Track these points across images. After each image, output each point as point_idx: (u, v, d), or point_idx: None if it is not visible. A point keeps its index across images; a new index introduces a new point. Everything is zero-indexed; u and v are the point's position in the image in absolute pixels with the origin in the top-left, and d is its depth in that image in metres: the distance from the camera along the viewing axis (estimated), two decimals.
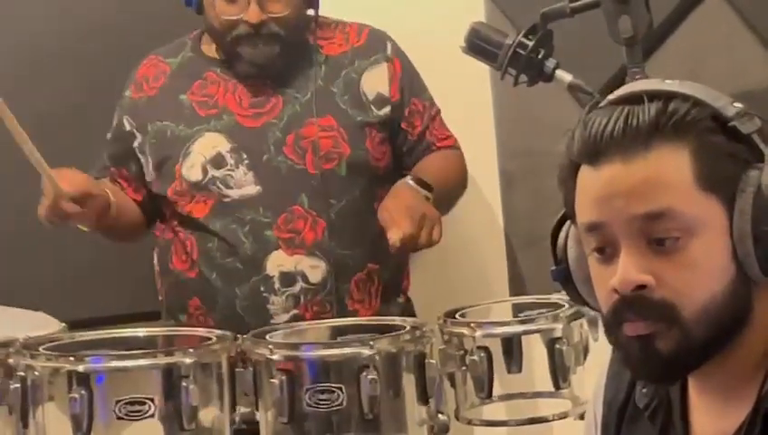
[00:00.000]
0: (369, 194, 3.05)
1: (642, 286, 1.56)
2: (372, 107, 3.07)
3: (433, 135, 3.15)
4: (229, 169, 2.99)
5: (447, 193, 3.12)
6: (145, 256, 3.24)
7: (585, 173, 1.62)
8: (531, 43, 2.50)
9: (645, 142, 1.57)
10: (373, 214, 2.99)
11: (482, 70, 3.11)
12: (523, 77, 2.55)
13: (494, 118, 3.38)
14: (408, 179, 2.99)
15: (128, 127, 3.11)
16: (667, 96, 1.59)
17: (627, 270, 1.57)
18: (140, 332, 2.76)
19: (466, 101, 3.36)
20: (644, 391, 1.75)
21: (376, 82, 3.08)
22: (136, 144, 3.09)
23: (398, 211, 2.86)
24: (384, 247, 2.90)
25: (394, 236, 2.75)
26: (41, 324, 2.85)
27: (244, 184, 2.99)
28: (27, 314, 2.99)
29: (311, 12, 3.08)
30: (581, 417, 2.60)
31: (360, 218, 3.03)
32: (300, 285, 2.96)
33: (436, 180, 3.04)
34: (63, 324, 2.85)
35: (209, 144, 3.00)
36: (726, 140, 1.58)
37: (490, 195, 3.38)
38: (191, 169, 3.00)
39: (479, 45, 2.58)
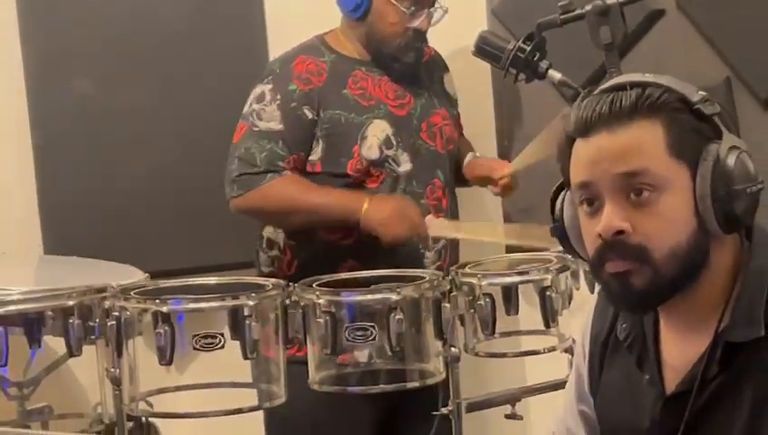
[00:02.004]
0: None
1: (621, 232, 1.59)
2: (455, 103, 3.19)
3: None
4: (395, 150, 3.01)
5: None
6: (212, 219, 3.23)
7: (578, 144, 1.66)
8: (528, 48, 2.51)
9: (627, 118, 1.61)
10: None
11: (484, 69, 3.14)
12: (522, 76, 2.57)
13: (493, 108, 3.39)
14: (477, 154, 3.23)
15: (309, 115, 2.98)
16: (645, 85, 1.63)
17: (609, 218, 1.60)
18: (211, 280, 2.77)
19: (471, 94, 3.35)
20: (624, 326, 1.77)
21: (450, 85, 3.19)
22: (318, 127, 3.00)
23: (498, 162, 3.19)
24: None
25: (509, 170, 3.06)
26: (129, 274, 2.88)
27: (402, 162, 3.02)
28: (117, 266, 3.02)
29: None
30: (566, 350, 2.65)
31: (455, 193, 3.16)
32: (443, 241, 3.04)
33: None
34: (147, 274, 2.88)
35: (379, 129, 3.00)
36: (693, 118, 1.61)
37: None
38: (369, 149, 2.98)
39: (485, 49, 2.59)
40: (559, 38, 2.52)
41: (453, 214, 3.09)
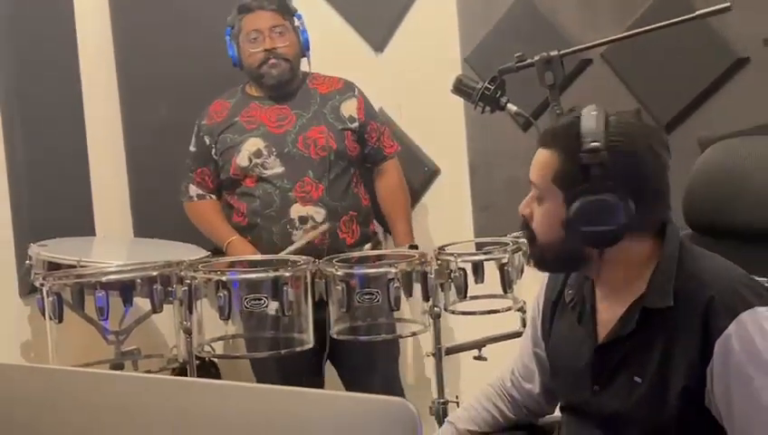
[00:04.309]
0: (348, 171, 3.09)
1: (524, 216, 1.66)
2: (347, 121, 3.09)
3: (383, 144, 3.18)
4: (265, 158, 3.00)
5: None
6: None
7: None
8: (492, 87, 2.46)
9: (549, 142, 1.63)
10: (352, 183, 3.09)
11: (459, 103, 3.10)
12: (487, 108, 2.53)
13: (465, 132, 3.31)
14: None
15: (208, 142, 3.10)
16: (571, 124, 1.60)
17: (522, 205, 1.67)
18: (258, 257, 2.77)
19: (448, 122, 3.29)
20: (569, 292, 1.76)
21: (349, 108, 3.11)
22: (213, 151, 3.09)
23: None
24: (358, 203, 3.09)
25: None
26: (196, 252, 2.90)
27: (273, 166, 3.00)
28: (188, 246, 3.04)
29: (305, 68, 3.13)
30: (519, 310, 2.62)
31: (343, 185, 3.06)
32: (310, 223, 2.97)
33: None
34: (209, 252, 2.90)
35: (253, 144, 3.02)
36: (578, 163, 1.57)
37: (462, 179, 3.32)
38: (241, 159, 3.01)
39: (460, 89, 2.54)
40: (515, 80, 2.48)
41: (327, 203, 3.01)
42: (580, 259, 1.64)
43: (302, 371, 2.88)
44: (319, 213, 2.98)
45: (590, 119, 1.58)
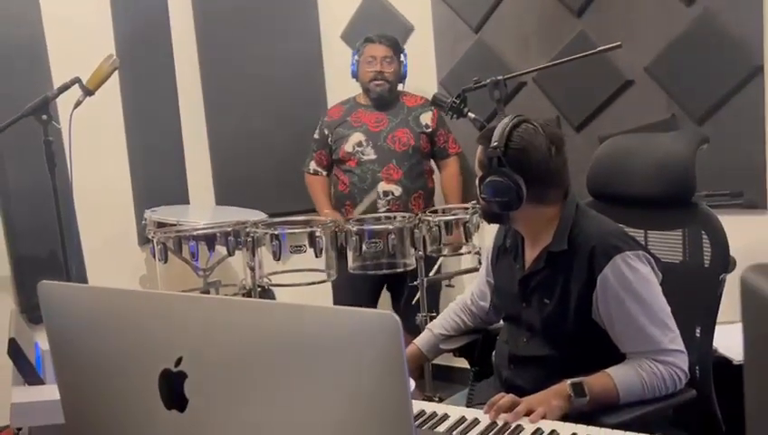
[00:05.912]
0: (421, 162, 3.02)
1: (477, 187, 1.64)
2: (423, 127, 3.02)
3: (448, 145, 3.07)
4: (364, 148, 2.97)
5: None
6: (301, 185, 3.18)
7: None
8: (458, 101, 2.46)
9: (479, 140, 1.62)
10: (423, 171, 3.02)
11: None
12: (455, 115, 2.53)
13: None
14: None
15: (326, 132, 3.05)
16: (490, 128, 1.60)
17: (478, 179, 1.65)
18: (299, 218, 2.75)
19: None
20: (508, 240, 1.76)
21: (426, 118, 3.03)
22: (329, 139, 3.05)
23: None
24: (425, 185, 3.00)
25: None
26: (257, 214, 2.87)
27: (369, 154, 2.96)
28: (252, 211, 3.00)
29: (400, 87, 3.08)
30: (476, 253, 2.63)
31: (417, 172, 3.00)
32: (391, 196, 2.96)
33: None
34: (267, 215, 2.87)
35: (357, 137, 2.98)
36: (487, 154, 1.59)
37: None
38: (348, 147, 2.98)
39: (436, 102, 2.54)
40: (474, 96, 2.47)
41: (403, 183, 2.96)
42: (498, 217, 1.64)
43: (368, 295, 2.97)
44: (397, 190, 2.95)
45: (501, 126, 1.58)
